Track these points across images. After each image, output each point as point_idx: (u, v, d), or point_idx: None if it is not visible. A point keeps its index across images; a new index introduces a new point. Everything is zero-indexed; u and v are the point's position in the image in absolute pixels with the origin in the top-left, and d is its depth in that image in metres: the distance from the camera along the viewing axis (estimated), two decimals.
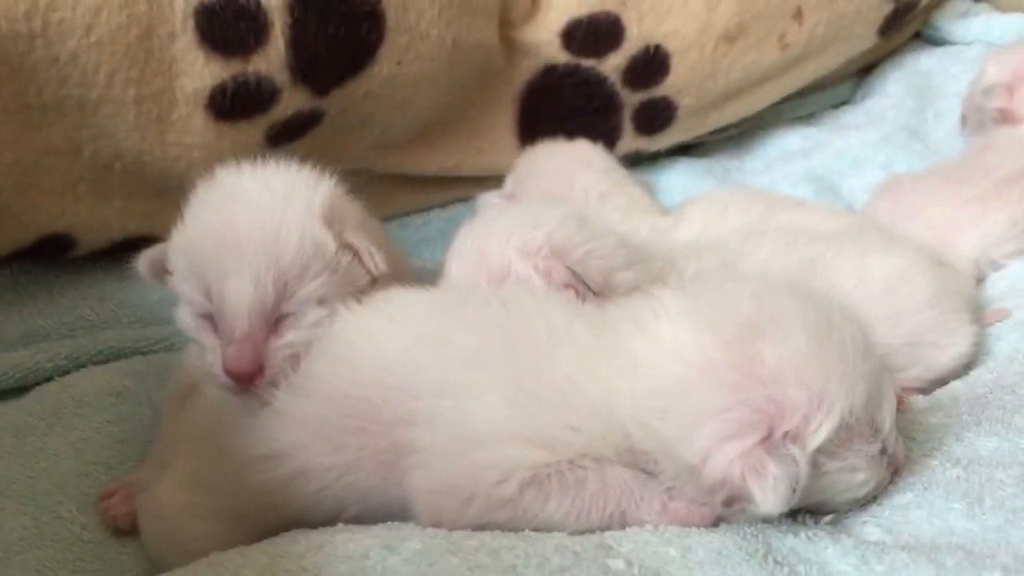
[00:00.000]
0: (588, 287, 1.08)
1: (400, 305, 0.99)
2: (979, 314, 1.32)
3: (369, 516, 0.89)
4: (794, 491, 0.80)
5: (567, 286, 1.07)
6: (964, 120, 1.77)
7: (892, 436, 0.89)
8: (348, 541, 0.80)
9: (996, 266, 1.45)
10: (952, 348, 1.21)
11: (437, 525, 0.84)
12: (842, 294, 1.15)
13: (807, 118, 2.12)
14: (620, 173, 1.60)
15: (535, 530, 0.84)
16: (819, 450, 0.82)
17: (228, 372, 0.93)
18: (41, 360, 1.31)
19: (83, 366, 1.33)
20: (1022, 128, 1.59)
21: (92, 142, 1.31)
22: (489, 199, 1.58)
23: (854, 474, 0.86)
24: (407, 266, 1.32)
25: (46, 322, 1.40)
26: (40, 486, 1.11)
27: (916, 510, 0.88)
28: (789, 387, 0.81)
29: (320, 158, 1.55)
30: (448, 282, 1.15)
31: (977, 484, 0.90)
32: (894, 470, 0.91)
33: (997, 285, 1.42)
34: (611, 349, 0.88)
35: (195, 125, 1.34)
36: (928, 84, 2.06)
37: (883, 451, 0.88)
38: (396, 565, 0.75)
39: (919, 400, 1.15)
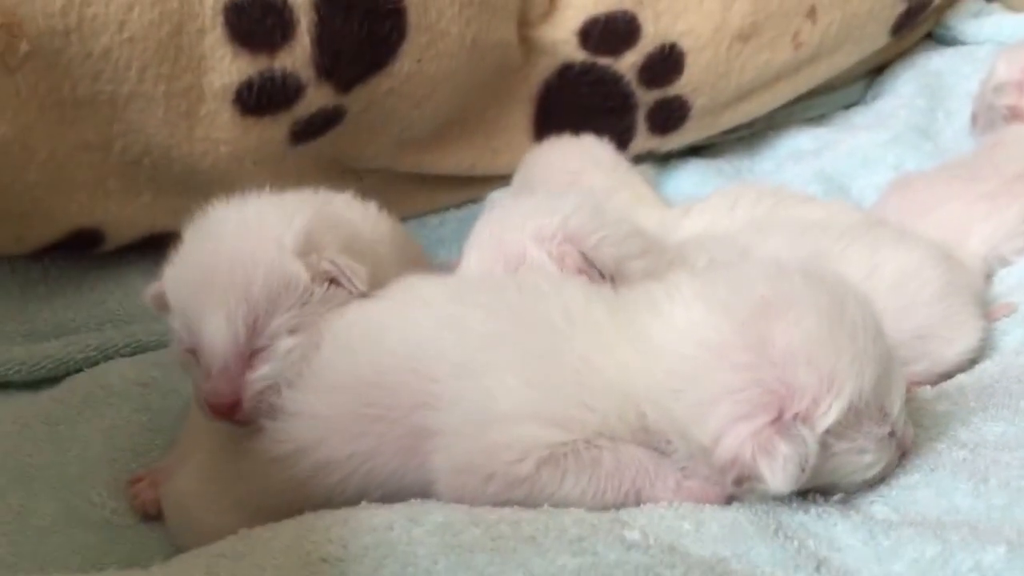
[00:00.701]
0: (600, 273, 1.09)
1: (418, 291, 1.00)
2: (987, 309, 1.32)
3: (390, 500, 0.90)
4: (803, 470, 0.81)
5: (580, 271, 1.08)
6: (975, 119, 1.77)
7: (901, 419, 0.89)
8: (373, 516, 0.81)
9: (1005, 262, 1.45)
10: (960, 342, 1.22)
11: (460, 504, 0.86)
12: None
13: (818, 119, 2.12)
14: (625, 168, 1.61)
15: (553, 507, 0.85)
16: (828, 431, 0.83)
17: (208, 406, 0.96)
18: (72, 351, 1.33)
19: (111, 358, 1.35)
20: None
21: (123, 137, 1.33)
22: (497, 197, 1.59)
23: (862, 456, 0.86)
24: (427, 262, 1.34)
25: (76, 315, 1.42)
26: (71, 472, 1.13)
27: (923, 489, 0.89)
28: (800, 369, 0.82)
29: (342, 156, 1.60)
30: (465, 272, 1.16)
31: (983, 466, 0.90)
32: (902, 453, 0.92)
33: (1006, 281, 1.42)
34: (626, 330, 0.89)
35: (222, 120, 1.37)
36: (939, 84, 2.05)
37: (892, 434, 0.89)
38: (420, 536, 0.77)
39: (926, 390, 1.15)
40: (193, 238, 1.02)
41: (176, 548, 1.04)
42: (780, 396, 0.82)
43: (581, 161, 1.56)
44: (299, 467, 0.92)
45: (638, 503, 0.87)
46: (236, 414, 0.96)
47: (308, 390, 0.95)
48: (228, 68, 1.33)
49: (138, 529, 1.09)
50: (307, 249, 1.00)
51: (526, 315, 0.92)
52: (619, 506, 0.87)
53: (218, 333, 0.95)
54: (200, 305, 0.96)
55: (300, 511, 0.91)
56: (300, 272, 0.98)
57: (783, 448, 0.80)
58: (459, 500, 0.86)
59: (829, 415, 0.82)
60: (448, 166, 1.75)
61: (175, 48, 1.29)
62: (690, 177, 1.92)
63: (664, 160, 1.95)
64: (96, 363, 1.34)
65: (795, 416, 0.82)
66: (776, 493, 0.83)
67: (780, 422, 0.81)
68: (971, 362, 1.22)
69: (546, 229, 1.11)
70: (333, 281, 1.00)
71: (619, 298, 0.95)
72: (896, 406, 0.88)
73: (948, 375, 1.20)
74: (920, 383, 1.17)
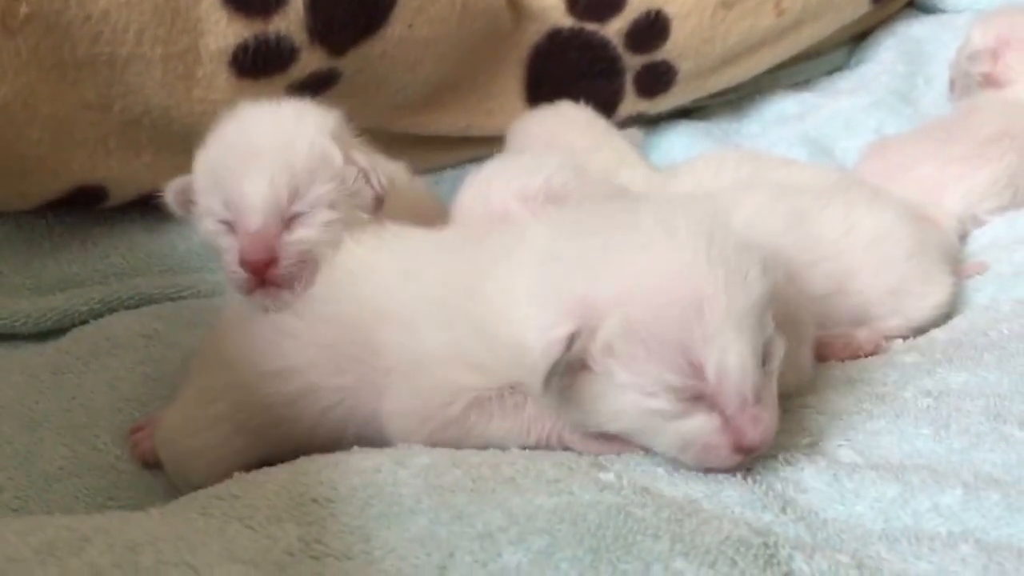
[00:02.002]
0: None
1: (398, 240, 1.02)
2: (958, 266, 1.33)
3: (374, 440, 0.93)
4: (552, 378, 0.80)
5: None
6: (952, 85, 1.77)
7: (731, 398, 0.79)
8: (363, 459, 0.83)
9: (978, 222, 1.46)
10: (931, 297, 1.22)
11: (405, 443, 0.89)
12: (828, 244, 1.17)
13: (803, 83, 2.12)
14: (604, 129, 1.60)
15: (481, 448, 0.88)
16: (613, 355, 0.80)
17: (244, 263, 0.97)
18: (76, 304, 1.34)
19: (115, 310, 1.36)
20: (1006, 91, 1.60)
21: (122, 98, 1.33)
22: None
23: (648, 399, 0.79)
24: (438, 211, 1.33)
25: (80, 269, 1.43)
26: (77, 420, 1.14)
27: (887, 435, 0.91)
28: (601, 284, 0.81)
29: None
30: (454, 224, 1.17)
31: (945, 413, 0.92)
32: (739, 446, 0.81)
33: (979, 240, 1.44)
34: (502, 268, 0.91)
35: (219, 82, 1.36)
36: (919, 51, 2.06)
37: (704, 400, 0.80)
38: (405, 477, 0.78)
39: (898, 343, 1.17)
40: (229, 125, 1.05)
41: (178, 492, 1.06)
42: (579, 309, 0.81)
43: (560, 126, 1.56)
44: (290, 387, 0.95)
45: (560, 447, 0.89)
46: (272, 274, 0.97)
47: (305, 317, 0.97)
48: (224, 31, 1.33)
49: (142, 474, 1.10)
50: (338, 139, 1.04)
51: (468, 268, 0.94)
52: (543, 449, 0.89)
53: (259, 193, 0.97)
54: (242, 171, 0.99)
55: (284, 438, 0.96)
56: (336, 152, 1.02)
57: (554, 351, 0.79)
58: (404, 441, 0.90)
59: (602, 334, 0.80)
60: (443, 127, 1.75)
61: (171, 11, 1.29)
62: (679, 139, 1.92)
63: (654, 123, 1.95)
64: (100, 315, 1.34)
65: (586, 329, 0.80)
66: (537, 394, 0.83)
67: (572, 332, 0.80)
68: (945, 317, 1.24)
69: (529, 188, 1.13)
70: (362, 172, 1.04)
71: (498, 241, 0.96)
72: (710, 371, 0.78)
73: (922, 329, 1.21)
74: (895, 337, 1.19)
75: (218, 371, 1.02)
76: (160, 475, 1.10)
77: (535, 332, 0.82)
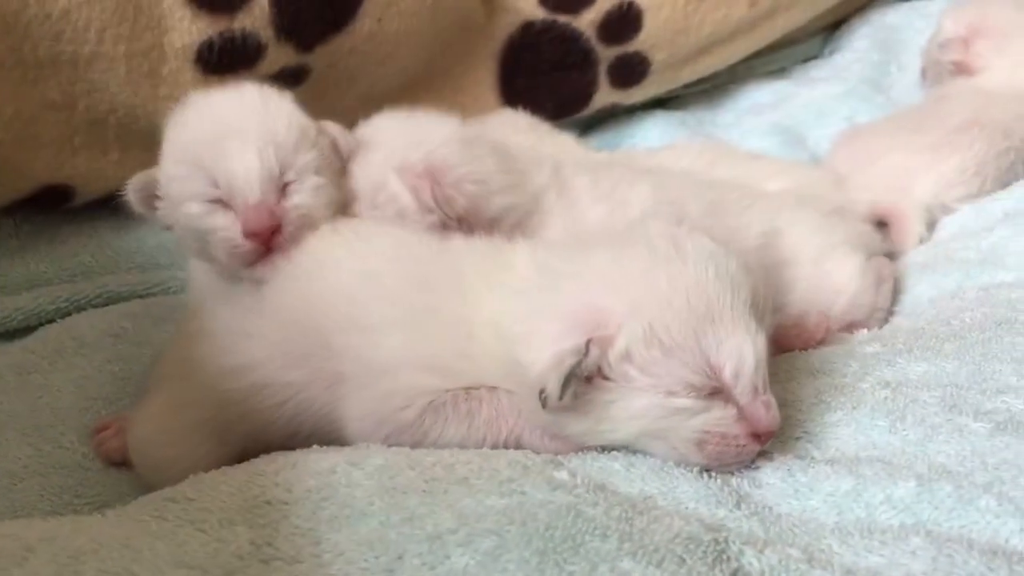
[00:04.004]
0: (447, 215, 1.07)
1: (359, 240, 1.02)
2: (876, 251, 1.32)
3: (328, 434, 0.93)
4: (570, 384, 0.80)
5: (429, 210, 1.07)
6: (924, 73, 1.76)
7: (745, 391, 0.84)
8: (320, 459, 0.82)
9: (947, 210, 1.45)
10: (845, 295, 1.22)
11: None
12: (742, 239, 1.17)
13: (778, 72, 2.11)
14: (546, 130, 1.57)
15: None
16: (631, 362, 0.82)
17: (249, 234, 0.98)
18: (43, 303, 1.33)
19: (83, 309, 1.35)
20: (976, 79, 1.59)
21: (86, 96, 1.31)
22: None
23: (671, 399, 0.82)
24: None
25: (48, 268, 1.41)
26: (43, 419, 1.13)
27: (844, 427, 0.90)
28: (610, 296, 0.83)
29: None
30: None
31: (902, 404, 0.91)
32: (757, 435, 0.84)
33: (948, 228, 1.43)
34: (495, 280, 0.91)
35: (185, 79, 1.34)
36: (893, 38, 2.04)
37: (720, 394, 0.84)
38: (359, 478, 0.78)
39: (863, 333, 1.17)
40: (195, 110, 1.06)
41: (146, 488, 1.05)
42: (591, 320, 0.82)
43: (502, 131, 1.54)
44: (243, 382, 0.95)
45: (520, 448, 0.88)
46: (276, 240, 0.99)
47: (258, 312, 0.97)
48: (188, 28, 1.31)
49: (108, 472, 1.09)
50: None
51: (426, 272, 0.95)
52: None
53: (252, 166, 1.00)
54: (228, 148, 1.00)
55: (244, 435, 0.95)
56: (309, 123, 1.06)
57: (568, 360, 0.80)
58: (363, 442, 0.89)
59: (621, 341, 0.81)
60: None
61: (134, 9, 1.27)
62: (654, 128, 1.91)
63: (630, 112, 1.94)
64: (68, 314, 1.33)
65: (598, 340, 0.81)
66: (549, 405, 0.81)
67: (583, 343, 0.80)
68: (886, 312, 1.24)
69: (410, 161, 1.10)
70: (332, 140, 1.09)
71: (487, 252, 0.96)
72: (728, 369, 0.83)
73: (862, 323, 1.22)
74: (853, 329, 1.19)
75: (185, 378, 1.01)
76: (126, 473, 1.09)
77: (544, 345, 0.82)
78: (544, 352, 0.81)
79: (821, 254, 1.22)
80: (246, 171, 1.00)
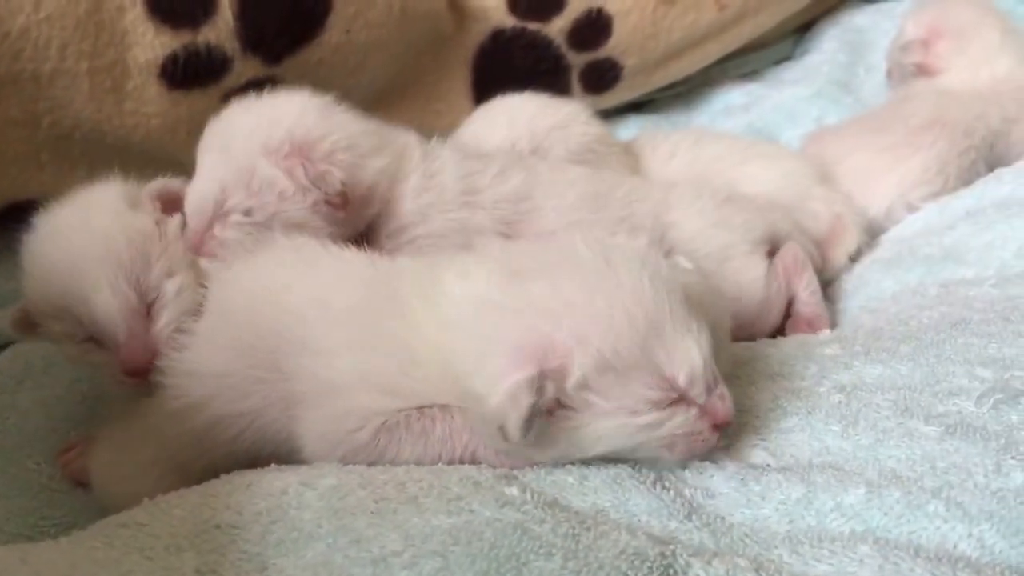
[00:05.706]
0: (327, 192, 1.03)
1: (306, 262, 0.99)
2: (775, 244, 1.31)
3: (289, 456, 0.91)
4: (530, 424, 0.78)
5: (307, 190, 1.03)
6: (889, 74, 1.75)
7: (699, 390, 0.84)
8: (274, 480, 0.81)
9: (912, 208, 1.46)
10: (748, 297, 1.22)
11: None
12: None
13: (751, 75, 2.11)
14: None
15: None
16: (589, 389, 0.81)
17: (129, 372, 0.98)
18: None
19: None
20: (938, 80, 1.59)
21: (50, 113, 1.30)
22: None
23: (635, 417, 0.82)
24: None
25: (17, 285, 1.38)
26: (9, 441, 1.11)
27: (799, 433, 0.89)
28: (557, 327, 0.81)
29: None
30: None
31: (855, 408, 0.90)
32: (714, 424, 0.85)
33: (912, 226, 1.43)
34: (427, 302, 0.89)
35: (150, 94, 1.33)
36: (861, 40, 2.05)
37: (681, 401, 0.83)
38: (310, 500, 0.76)
39: (825, 333, 1.16)
40: (36, 249, 1.03)
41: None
42: (539, 351, 0.80)
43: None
44: (195, 421, 0.93)
45: (475, 463, 0.87)
46: (152, 369, 0.97)
47: (199, 349, 0.96)
48: (151, 43, 1.30)
49: (74, 494, 1.07)
50: (133, 200, 1.05)
51: (366, 294, 0.93)
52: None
53: (111, 305, 0.97)
54: (81, 293, 0.98)
55: (209, 464, 0.92)
56: (144, 220, 1.03)
57: (524, 399, 0.78)
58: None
59: (575, 372, 0.80)
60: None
61: (95, 25, 1.25)
62: (629, 131, 1.90)
63: (604, 116, 1.92)
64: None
65: (551, 371, 0.79)
66: (511, 442, 0.80)
67: (535, 376, 0.79)
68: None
69: (273, 140, 1.04)
70: (165, 210, 1.05)
71: (422, 272, 0.94)
72: (682, 375, 0.82)
73: (773, 325, 1.24)
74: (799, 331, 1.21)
75: (144, 416, 0.99)
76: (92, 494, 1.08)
77: (495, 379, 0.80)
78: (497, 386, 0.79)
79: (723, 255, 1.21)
80: (106, 312, 0.98)
